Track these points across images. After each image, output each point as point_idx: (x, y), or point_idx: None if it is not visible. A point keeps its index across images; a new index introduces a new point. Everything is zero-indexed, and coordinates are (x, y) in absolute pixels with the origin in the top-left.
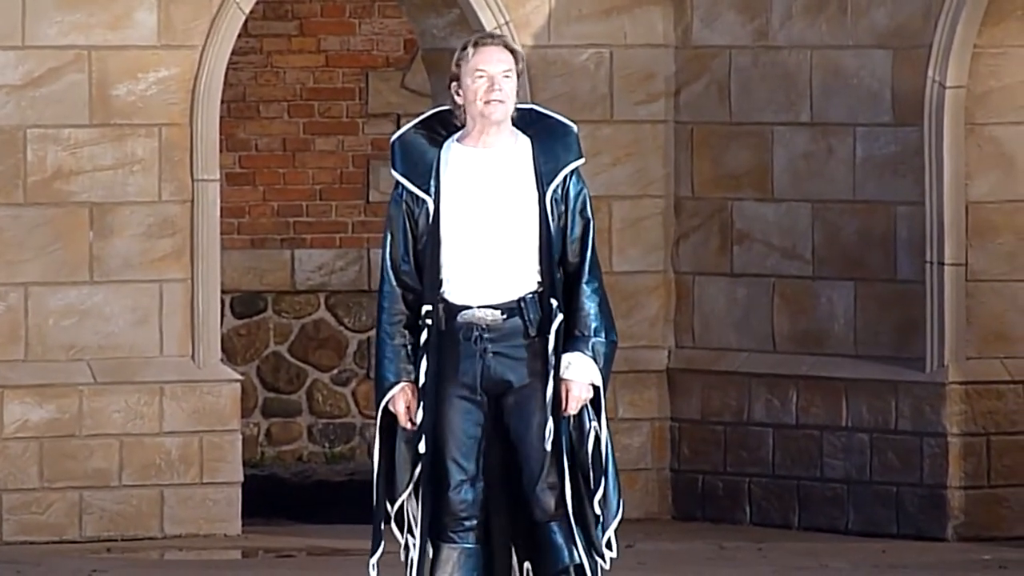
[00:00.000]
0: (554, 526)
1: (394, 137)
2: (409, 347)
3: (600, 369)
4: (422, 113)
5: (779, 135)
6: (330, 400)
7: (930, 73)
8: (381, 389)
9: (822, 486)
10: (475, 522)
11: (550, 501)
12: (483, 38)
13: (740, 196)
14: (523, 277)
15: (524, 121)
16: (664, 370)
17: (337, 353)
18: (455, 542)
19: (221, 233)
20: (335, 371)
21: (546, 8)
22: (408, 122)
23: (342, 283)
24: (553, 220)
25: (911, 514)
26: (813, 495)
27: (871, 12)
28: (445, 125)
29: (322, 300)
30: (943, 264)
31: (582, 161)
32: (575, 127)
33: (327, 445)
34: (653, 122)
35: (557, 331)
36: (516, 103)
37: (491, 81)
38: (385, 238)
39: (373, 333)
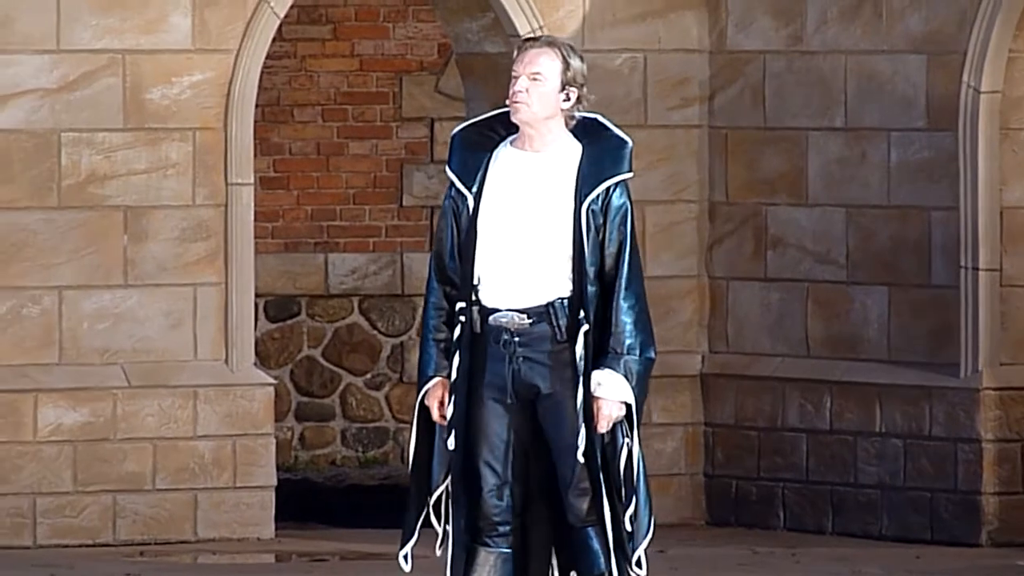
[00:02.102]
0: (591, 531)
1: (454, 131)
2: (446, 343)
3: (633, 387)
4: (486, 112)
5: (813, 140)
6: (363, 404)
7: (965, 78)
8: (420, 382)
9: (856, 492)
10: (509, 527)
11: (582, 506)
12: (527, 41)
13: (774, 201)
14: (553, 283)
15: (583, 130)
16: (698, 375)
17: (370, 357)
18: (490, 547)
19: (255, 237)
20: (368, 375)
21: (580, 13)
22: (465, 120)
23: (375, 287)
24: (589, 230)
25: (945, 520)
26: (847, 501)
27: (906, 17)
28: (507, 126)
29: (355, 304)
30: (977, 269)
31: (629, 175)
32: (631, 142)
33: (360, 449)
34: (687, 127)
35: (585, 340)
36: (579, 111)
37: (516, 82)
38: (437, 234)
39: (406, 337)
